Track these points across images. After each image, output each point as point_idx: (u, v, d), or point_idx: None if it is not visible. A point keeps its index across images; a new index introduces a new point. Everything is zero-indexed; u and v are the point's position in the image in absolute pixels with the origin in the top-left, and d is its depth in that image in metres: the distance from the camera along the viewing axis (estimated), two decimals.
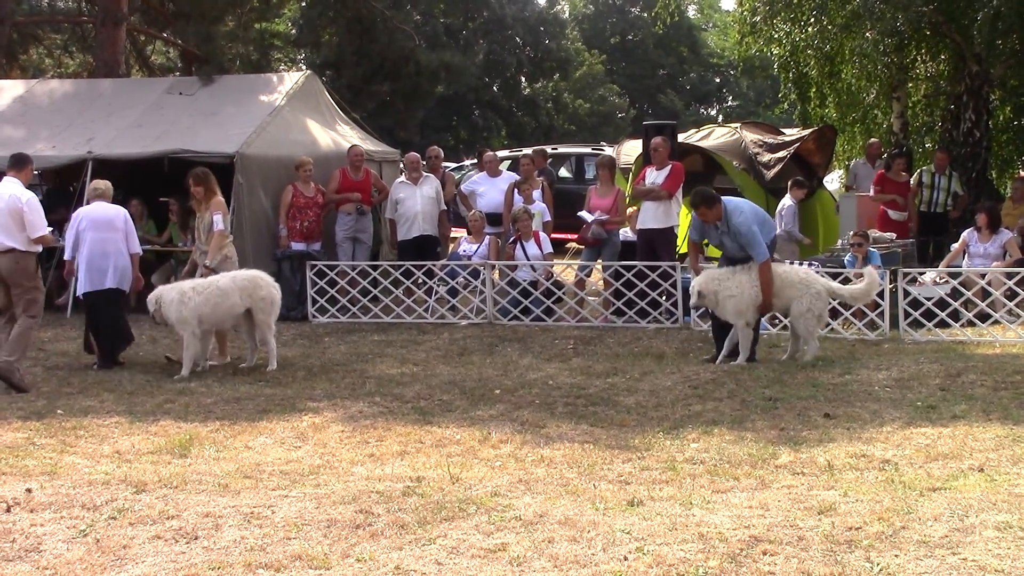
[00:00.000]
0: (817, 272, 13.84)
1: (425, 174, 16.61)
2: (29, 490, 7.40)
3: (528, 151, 19.06)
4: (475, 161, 19.93)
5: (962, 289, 13.46)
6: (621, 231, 16.05)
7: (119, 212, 12.76)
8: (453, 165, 25.42)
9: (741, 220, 11.97)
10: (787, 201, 16.57)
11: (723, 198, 12.23)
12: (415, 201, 16.24)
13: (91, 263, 12.45)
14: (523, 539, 6.30)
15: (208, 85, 18.48)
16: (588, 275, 15.64)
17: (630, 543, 6.19)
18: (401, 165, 17.98)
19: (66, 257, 12.77)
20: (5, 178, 12.00)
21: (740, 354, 12.00)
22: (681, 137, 17.48)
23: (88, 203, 13.15)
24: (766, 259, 11.94)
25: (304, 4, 35.71)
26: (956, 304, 13.28)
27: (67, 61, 31.25)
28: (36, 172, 15.61)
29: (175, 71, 29.44)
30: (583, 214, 15.45)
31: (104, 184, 13.05)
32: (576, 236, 16.34)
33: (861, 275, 13.60)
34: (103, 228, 12.52)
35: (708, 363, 12.02)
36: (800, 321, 12.03)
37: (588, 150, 26.55)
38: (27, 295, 11.64)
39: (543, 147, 19.80)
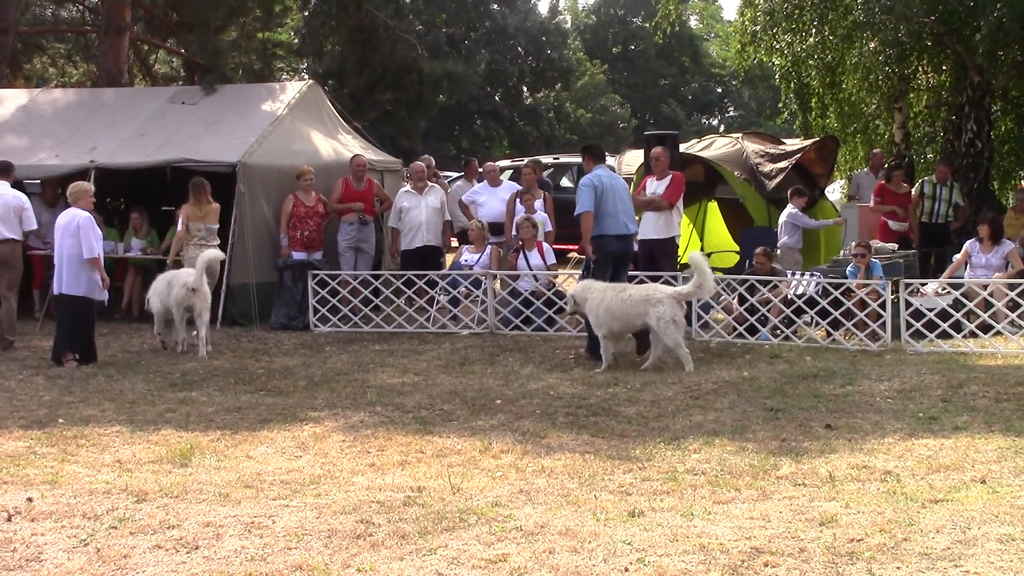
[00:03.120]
0: (818, 283, 13.91)
1: (430, 184, 16.61)
2: (30, 499, 7.40)
3: (526, 161, 19.11)
4: (462, 173, 19.95)
5: (964, 300, 13.44)
6: None
7: (74, 217, 12.99)
8: (455, 175, 25.41)
9: (583, 179, 13.27)
10: (791, 208, 16.56)
11: (600, 169, 13.31)
12: (420, 211, 16.24)
13: (56, 268, 13.10)
14: (524, 549, 6.30)
15: (210, 94, 18.48)
16: None
17: (631, 554, 6.19)
18: (405, 174, 17.99)
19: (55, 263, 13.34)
20: None
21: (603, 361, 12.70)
22: (682, 147, 17.48)
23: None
24: (580, 212, 13.00)
25: (307, 14, 35.72)
26: (958, 315, 13.25)
27: (70, 70, 31.29)
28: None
29: (178, 80, 29.47)
30: None
31: (77, 189, 13.33)
32: (577, 246, 16.35)
33: (864, 286, 13.64)
34: (62, 234, 12.99)
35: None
36: (663, 333, 12.37)
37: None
38: (12, 275, 14.01)
39: (536, 158, 19.83)
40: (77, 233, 12.84)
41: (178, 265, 14.54)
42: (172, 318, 13.92)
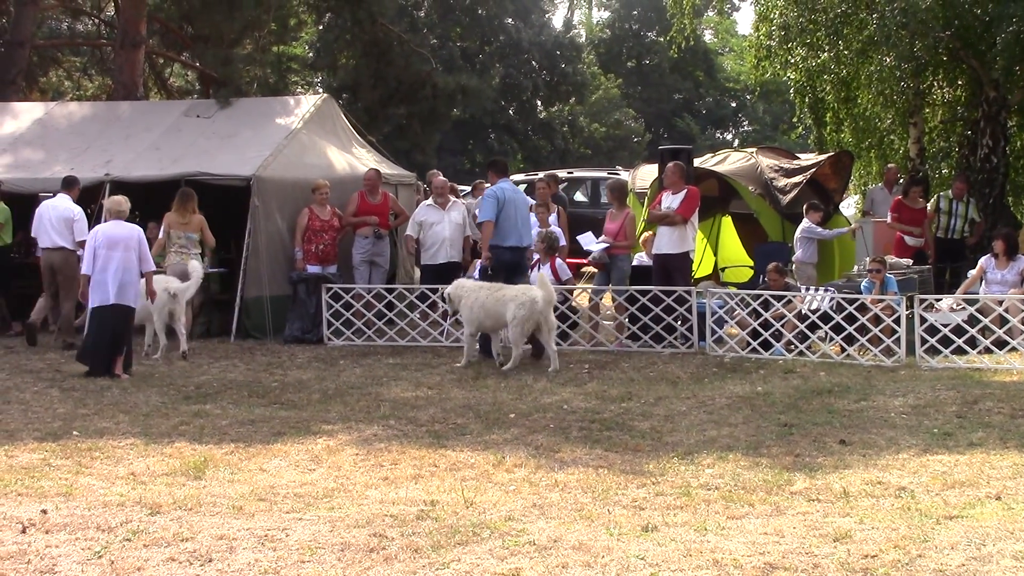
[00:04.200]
0: (832, 298, 13.88)
1: (453, 199, 16.56)
2: (44, 511, 7.42)
3: (541, 175, 19.11)
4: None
5: (979, 316, 13.41)
6: (637, 256, 16.08)
7: (133, 231, 13.28)
8: (468, 188, 25.42)
9: (487, 190, 14.64)
10: (805, 222, 16.51)
11: (504, 182, 14.55)
12: (443, 227, 16.11)
13: (103, 280, 13.02)
14: (537, 564, 6.29)
15: (225, 108, 18.56)
16: (601, 299, 15.66)
17: (644, 569, 6.18)
18: (425, 188, 17.99)
19: (83, 272, 13.34)
20: (59, 195, 15.51)
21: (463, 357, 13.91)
22: (697, 162, 17.48)
23: (105, 221, 13.60)
24: (482, 220, 14.50)
25: (321, 27, 35.84)
26: (973, 331, 13.22)
27: (86, 83, 31.44)
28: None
29: (193, 94, 29.58)
30: (582, 239, 15.59)
31: (123, 204, 13.54)
32: (587, 259, 16.42)
33: (879, 302, 13.62)
34: (117, 246, 13.06)
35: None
36: (511, 330, 13.54)
37: (604, 174, 26.54)
38: (66, 282, 15.23)
39: (552, 172, 19.90)
40: (138, 247, 13.16)
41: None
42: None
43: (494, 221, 14.19)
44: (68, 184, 15.62)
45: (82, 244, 14.84)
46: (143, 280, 13.40)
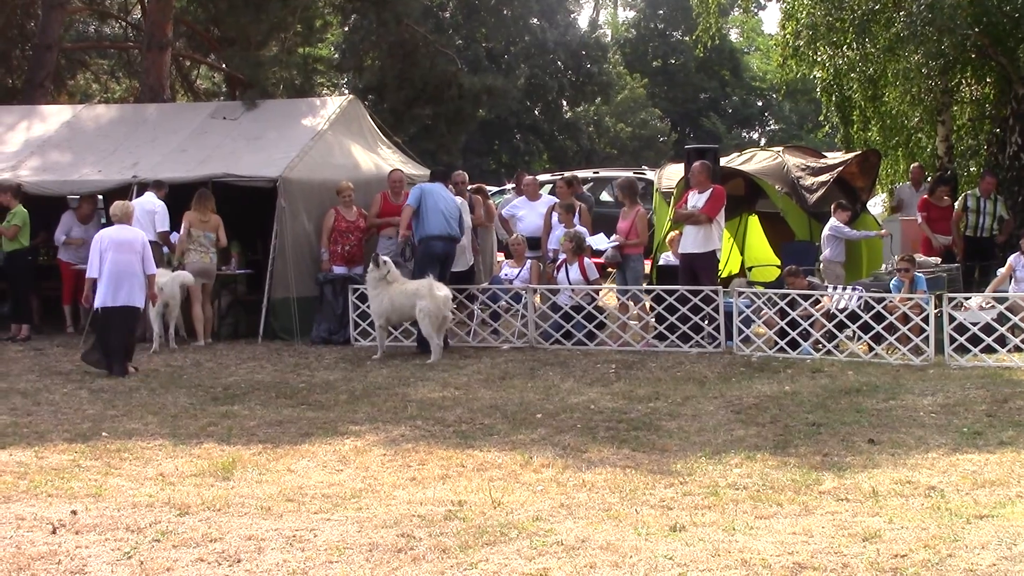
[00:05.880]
0: (860, 297, 13.82)
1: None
2: (74, 512, 7.46)
3: (562, 176, 19.07)
4: (514, 185, 19.88)
5: (1008, 314, 13.32)
6: (663, 255, 16.04)
7: (137, 235, 13.67)
8: (495, 189, 25.37)
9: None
10: (833, 221, 16.39)
11: (424, 184, 15.62)
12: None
13: (109, 281, 13.30)
14: (565, 564, 6.28)
15: (252, 110, 18.60)
16: (628, 299, 15.64)
17: (672, 569, 6.16)
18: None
19: (88, 275, 13.63)
20: (147, 192, 15.97)
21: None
22: (723, 161, 17.41)
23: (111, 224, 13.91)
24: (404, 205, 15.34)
25: (347, 29, 35.89)
26: (1002, 329, 13.15)
27: (113, 86, 31.57)
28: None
29: (219, 96, 29.67)
30: (592, 240, 15.57)
31: (128, 209, 13.93)
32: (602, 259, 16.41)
33: (908, 300, 13.55)
34: (123, 249, 13.38)
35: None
36: (420, 322, 14.31)
37: (630, 174, 26.46)
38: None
39: (574, 173, 19.85)
40: (143, 250, 13.48)
41: (181, 267, 15.63)
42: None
43: (415, 208, 15.02)
44: (158, 185, 16.17)
45: (164, 235, 15.74)
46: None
